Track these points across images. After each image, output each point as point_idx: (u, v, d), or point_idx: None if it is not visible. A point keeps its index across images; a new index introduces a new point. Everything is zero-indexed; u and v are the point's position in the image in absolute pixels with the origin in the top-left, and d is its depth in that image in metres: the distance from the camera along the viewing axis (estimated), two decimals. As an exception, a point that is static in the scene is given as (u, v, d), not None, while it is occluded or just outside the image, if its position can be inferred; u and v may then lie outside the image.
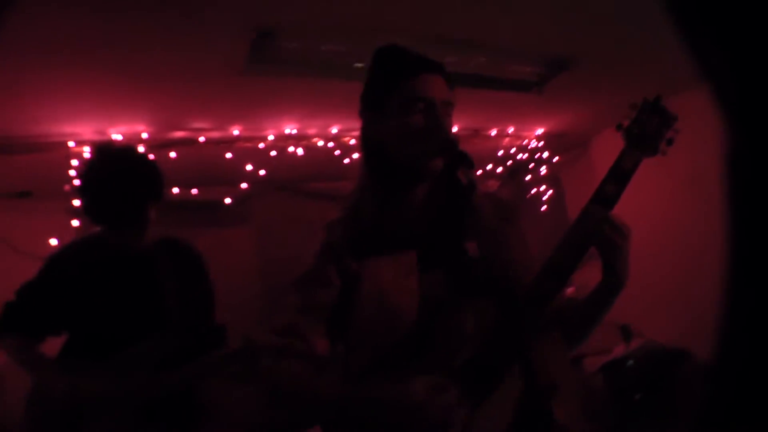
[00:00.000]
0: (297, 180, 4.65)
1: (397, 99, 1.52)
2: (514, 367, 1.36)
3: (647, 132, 1.43)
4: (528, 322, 1.35)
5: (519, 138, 4.90)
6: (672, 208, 4.32)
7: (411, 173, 1.55)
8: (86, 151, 3.29)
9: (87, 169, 2.40)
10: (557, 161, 5.13)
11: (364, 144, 1.64)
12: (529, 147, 4.95)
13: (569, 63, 3.61)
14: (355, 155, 4.24)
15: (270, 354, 1.51)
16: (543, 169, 5.10)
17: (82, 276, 2.36)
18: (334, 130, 4.13)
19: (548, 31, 3.16)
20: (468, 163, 1.43)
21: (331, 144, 4.15)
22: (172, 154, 3.64)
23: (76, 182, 2.40)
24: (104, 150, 2.47)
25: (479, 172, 4.98)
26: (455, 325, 1.42)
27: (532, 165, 5.08)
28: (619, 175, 1.41)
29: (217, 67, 2.99)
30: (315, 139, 4.11)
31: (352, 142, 4.19)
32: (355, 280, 1.50)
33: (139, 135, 3.48)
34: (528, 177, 5.20)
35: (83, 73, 2.83)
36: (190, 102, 3.39)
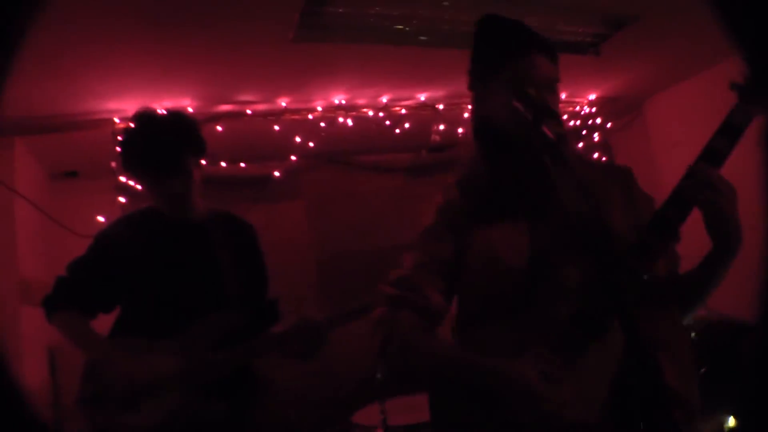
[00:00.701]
0: (347, 152, 4.58)
1: (503, 79, 1.55)
2: (614, 322, 1.32)
3: (764, 88, 1.34)
4: (631, 276, 1.35)
5: (571, 104, 4.70)
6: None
7: (518, 148, 1.58)
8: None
9: (127, 130, 2.35)
10: (610, 127, 4.92)
11: (473, 119, 1.70)
12: (581, 113, 4.75)
13: (626, 21, 3.44)
14: (406, 125, 4.14)
15: (385, 304, 1.59)
16: (596, 136, 4.88)
17: (135, 249, 2.30)
18: (384, 100, 4.01)
19: None
20: (552, 114, 1.43)
21: (381, 114, 4.03)
22: (219, 128, 3.57)
23: (119, 144, 2.35)
24: (142, 112, 2.40)
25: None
26: (559, 278, 1.46)
27: (584, 131, 4.87)
28: (730, 131, 1.38)
29: (265, 36, 2.90)
30: (365, 109, 3.99)
31: (403, 111, 4.09)
32: (470, 240, 1.58)
33: (185, 109, 3.38)
34: (580, 144, 5.00)
35: (126, 48, 2.77)
36: (236, 74, 3.29)
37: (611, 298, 1.30)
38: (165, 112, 2.46)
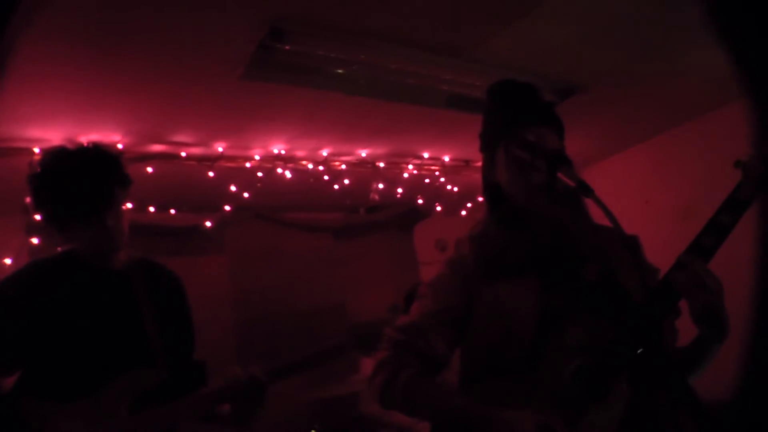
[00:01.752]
0: (282, 206, 4.44)
1: (507, 147, 1.62)
2: (619, 385, 1.39)
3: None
4: (637, 342, 1.37)
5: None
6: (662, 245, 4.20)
7: (526, 212, 1.63)
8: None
9: (44, 161, 2.10)
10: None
11: (484, 183, 1.74)
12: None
13: (577, 89, 3.52)
14: (345, 181, 4.04)
15: (391, 348, 1.62)
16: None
17: (45, 299, 2.03)
18: (324, 153, 3.92)
19: (561, 55, 3.08)
20: (565, 161, 1.46)
21: (320, 168, 3.92)
22: (149, 169, 3.34)
23: (34, 177, 2.08)
24: (59, 146, 2.18)
25: (469, 204, 4.83)
26: (565, 338, 1.47)
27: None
28: (735, 207, 1.43)
29: (212, 70, 2.76)
30: (304, 162, 3.87)
31: (342, 167, 4.00)
32: (478, 294, 1.60)
33: (114, 145, 3.16)
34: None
35: (58, 70, 2.57)
36: (174, 111, 3.11)
37: (618, 359, 1.37)
38: (87, 146, 2.21)
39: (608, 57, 3.12)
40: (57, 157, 2.08)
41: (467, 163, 4.50)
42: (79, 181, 2.01)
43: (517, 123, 1.62)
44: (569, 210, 1.63)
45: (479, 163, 4.40)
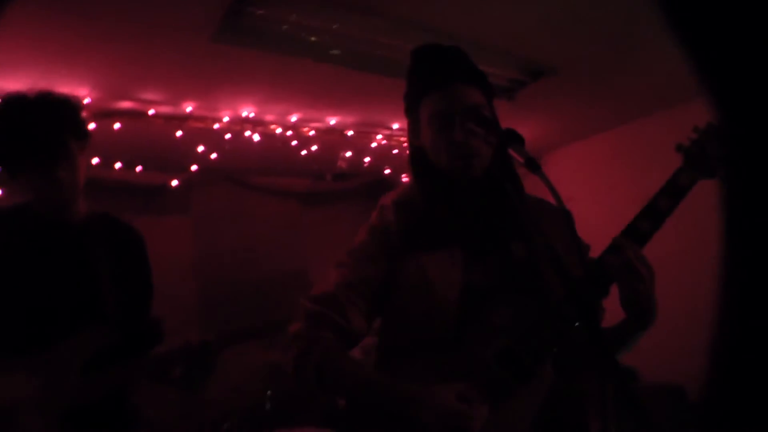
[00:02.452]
0: (250, 169, 4.42)
1: (426, 110, 1.57)
2: (544, 367, 1.38)
3: (707, 154, 1.47)
4: (565, 323, 1.35)
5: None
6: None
7: (450, 178, 1.57)
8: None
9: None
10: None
11: (409, 146, 1.70)
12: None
13: (544, 72, 3.54)
14: (313, 147, 4.05)
15: (305, 319, 1.52)
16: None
17: None
18: (293, 118, 3.90)
19: (532, 35, 3.10)
20: (517, 139, 1.39)
21: (289, 133, 3.91)
22: (117, 126, 3.31)
23: None
24: (12, 93, 2.09)
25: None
26: (491, 316, 1.44)
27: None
28: (674, 191, 1.44)
29: (182, 31, 2.73)
30: (273, 126, 3.86)
31: (311, 133, 3.99)
32: (401, 263, 1.54)
33: (81, 100, 3.11)
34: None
35: (23, 23, 2.51)
36: (143, 67, 3.08)
37: (545, 341, 1.35)
38: (44, 92, 2.11)
39: (579, 42, 3.13)
40: (9, 103, 2.02)
41: None
42: (29, 129, 1.96)
43: (441, 78, 1.55)
44: (500, 181, 1.56)
45: None
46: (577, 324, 1.34)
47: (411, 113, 1.64)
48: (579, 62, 3.37)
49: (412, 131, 1.65)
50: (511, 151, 1.37)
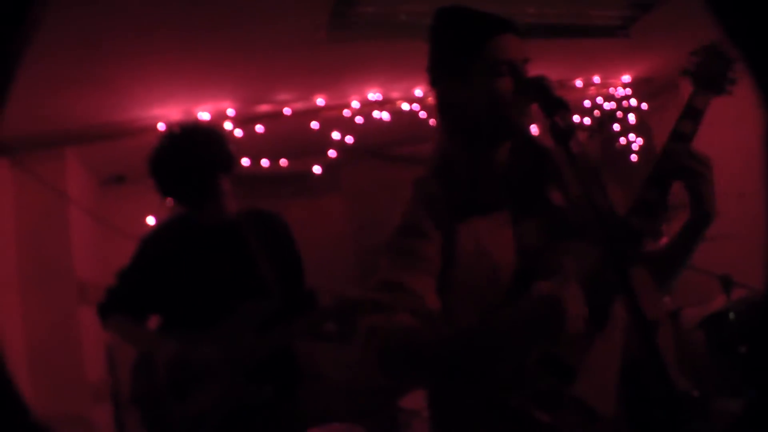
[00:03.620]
0: (384, 145, 4.62)
1: (480, 65, 1.46)
2: (616, 306, 1.33)
3: (712, 73, 1.51)
4: (625, 259, 1.28)
5: (605, 86, 4.67)
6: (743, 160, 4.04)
7: (499, 134, 1.52)
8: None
9: (155, 149, 2.41)
10: (647, 108, 4.85)
11: (446, 112, 1.59)
12: (616, 95, 4.71)
13: (653, 3, 3.44)
14: None
15: (374, 311, 1.41)
16: (632, 118, 4.83)
17: (174, 254, 2.40)
18: (418, 93, 4.05)
19: None
20: (564, 106, 1.33)
21: (416, 106, 4.07)
22: (259, 128, 3.66)
23: (149, 168, 2.40)
24: (169, 130, 2.48)
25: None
26: (554, 267, 1.38)
27: (620, 114, 4.82)
28: (693, 114, 1.47)
29: (298, 37, 2.97)
30: (399, 102, 4.03)
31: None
32: (453, 236, 1.46)
33: (225, 111, 3.51)
34: (617, 127, 4.97)
35: (165, 56, 2.87)
36: (273, 75, 3.39)
37: (613, 282, 1.25)
38: (193, 129, 2.49)
39: None
40: (165, 146, 2.38)
41: (561, 83, 4.43)
42: (184, 167, 2.32)
43: (483, 34, 1.46)
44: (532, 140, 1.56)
45: (574, 81, 4.27)
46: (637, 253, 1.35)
47: (453, 74, 1.51)
48: None
49: (454, 92, 1.52)
50: (557, 119, 1.30)
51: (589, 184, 1.34)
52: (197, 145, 2.38)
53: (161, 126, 3.38)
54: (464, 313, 1.44)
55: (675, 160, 1.42)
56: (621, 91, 4.70)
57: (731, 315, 3.47)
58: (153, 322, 2.47)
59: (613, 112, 4.80)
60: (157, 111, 3.32)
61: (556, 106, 1.33)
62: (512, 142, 1.56)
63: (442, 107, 1.60)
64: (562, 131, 1.30)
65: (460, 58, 1.50)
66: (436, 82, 1.58)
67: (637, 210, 1.40)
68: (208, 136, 2.44)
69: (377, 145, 4.55)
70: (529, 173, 1.56)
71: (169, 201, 3.02)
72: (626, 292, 1.13)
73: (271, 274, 2.41)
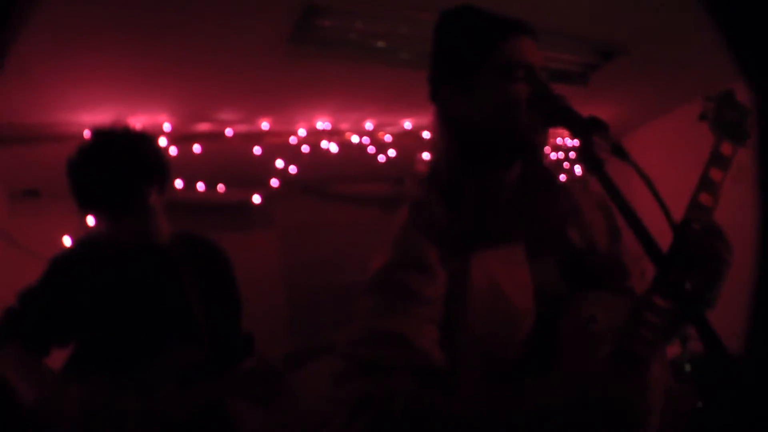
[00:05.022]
0: (329, 179, 4.48)
1: (491, 68, 1.31)
2: (653, 366, 1.18)
3: (731, 122, 1.40)
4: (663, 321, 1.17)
5: (554, 136, 4.67)
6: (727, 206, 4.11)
7: (509, 150, 1.36)
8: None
9: (75, 152, 2.14)
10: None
11: (448, 126, 1.40)
12: (564, 145, 4.71)
13: (616, 51, 3.46)
14: (391, 152, 4.05)
15: (366, 372, 1.15)
16: (578, 169, 4.82)
17: (91, 277, 2.11)
18: (369, 125, 3.92)
19: (600, 15, 3.02)
20: (603, 126, 1.16)
21: (365, 139, 3.94)
22: (197, 148, 3.41)
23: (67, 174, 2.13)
24: (96, 131, 2.21)
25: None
26: (583, 321, 1.22)
27: (566, 165, 4.82)
28: (721, 162, 1.34)
29: (254, 50, 2.81)
30: (348, 134, 3.89)
31: (387, 137, 3.99)
32: (462, 271, 1.24)
33: (161, 126, 3.24)
34: (563, 177, 4.97)
35: (103, 56, 2.63)
36: (218, 89, 3.17)
37: (649, 336, 1.15)
38: (124, 132, 2.21)
39: (648, 17, 3.03)
40: (89, 149, 2.12)
41: None
42: (104, 184, 2.07)
43: (497, 37, 1.32)
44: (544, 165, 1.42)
45: None
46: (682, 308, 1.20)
47: (459, 80, 1.36)
48: (650, 37, 3.25)
49: (459, 102, 1.36)
50: (596, 139, 1.16)
51: (596, 232, 1.34)
52: (126, 148, 2.12)
53: (87, 134, 3.06)
54: (473, 369, 1.21)
55: (696, 240, 1.22)
56: (569, 141, 4.68)
57: (687, 367, 3.53)
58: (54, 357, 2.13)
59: (560, 162, 4.79)
60: (83, 117, 3.01)
61: (592, 125, 1.16)
62: (522, 166, 1.39)
63: (444, 120, 1.41)
64: (598, 157, 1.15)
65: (468, 60, 1.34)
66: (435, 93, 1.43)
67: (660, 290, 1.19)
68: (141, 141, 2.18)
69: (319, 180, 4.39)
70: (543, 204, 1.39)
71: (90, 219, 2.70)
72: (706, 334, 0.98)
73: (203, 312, 2.16)
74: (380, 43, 3.00)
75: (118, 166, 2.06)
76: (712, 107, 1.44)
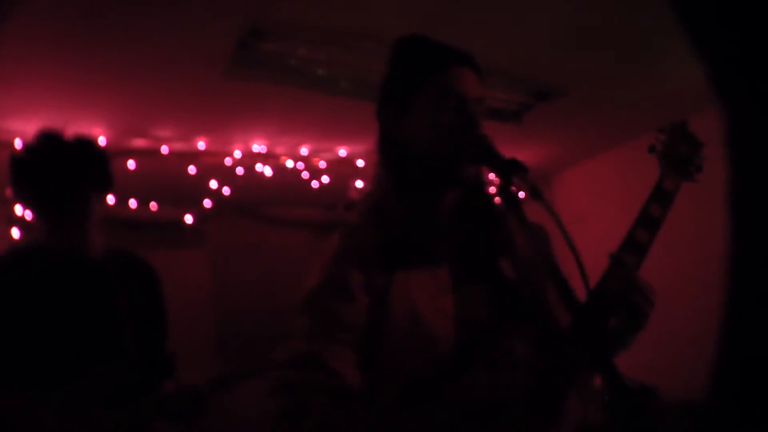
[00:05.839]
0: (262, 202, 4.47)
1: (425, 94, 1.37)
2: (569, 401, 1.23)
3: (681, 156, 1.44)
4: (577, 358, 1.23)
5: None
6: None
7: (441, 177, 1.39)
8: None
9: (26, 147, 2.14)
10: (522, 197, 5.03)
11: (385, 146, 1.45)
12: (494, 180, 4.85)
13: (551, 93, 3.57)
14: (324, 178, 4.10)
15: (285, 392, 1.23)
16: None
17: (16, 290, 2.04)
18: (304, 151, 3.98)
19: (537, 57, 3.13)
20: (521, 168, 1.25)
21: (300, 164, 3.99)
22: (131, 164, 3.40)
23: (12, 163, 2.10)
24: (48, 131, 2.18)
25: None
26: (503, 352, 1.25)
27: (497, 199, 4.98)
28: (662, 197, 1.38)
29: (194, 67, 2.82)
30: (283, 158, 3.94)
31: (322, 164, 4.06)
32: (383, 295, 1.29)
33: (96, 139, 3.17)
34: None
35: (37, 62, 2.62)
36: (156, 106, 3.19)
37: (568, 376, 1.21)
38: (78, 137, 2.21)
39: (585, 60, 3.14)
40: (42, 142, 2.10)
41: None
42: (52, 175, 2.05)
43: (434, 63, 1.38)
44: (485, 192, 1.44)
45: None
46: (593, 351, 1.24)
47: (397, 105, 1.41)
48: (586, 80, 3.38)
49: (396, 125, 1.41)
50: (516, 180, 1.24)
51: (528, 264, 1.34)
52: (77, 152, 2.12)
53: (18, 143, 3.00)
54: (389, 391, 1.27)
55: (616, 290, 1.28)
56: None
57: (604, 398, 3.56)
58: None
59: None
60: (13, 124, 2.96)
61: (512, 167, 1.25)
62: (461, 193, 1.42)
63: (383, 142, 1.45)
64: (515, 196, 1.24)
65: (404, 88, 1.41)
66: (378, 114, 1.46)
67: (581, 323, 1.25)
68: (91, 147, 2.20)
69: (255, 201, 4.39)
70: (477, 233, 1.42)
71: (20, 232, 2.66)
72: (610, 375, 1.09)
73: (134, 332, 2.14)
74: (321, 71, 3.04)
75: (68, 167, 2.06)
76: (663, 139, 1.46)
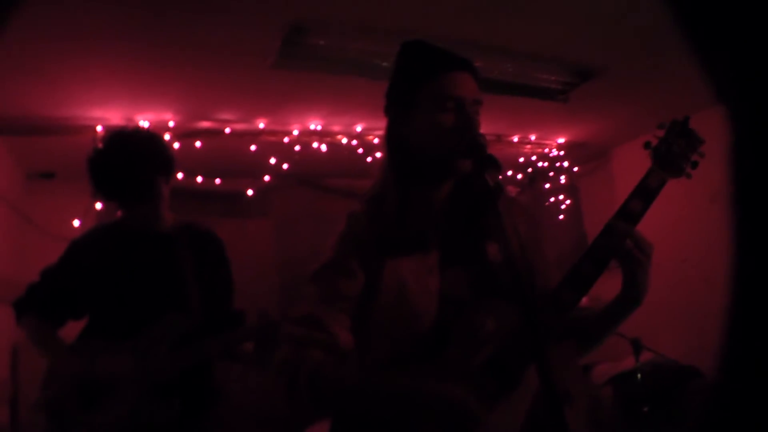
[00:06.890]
0: (319, 175, 4.69)
1: (426, 97, 1.49)
2: (529, 372, 1.29)
3: (674, 153, 1.46)
4: (546, 328, 1.34)
5: (540, 146, 4.90)
6: (692, 226, 4.28)
7: (437, 172, 1.53)
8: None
9: (96, 152, 2.41)
10: (577, 171, 5.12)
11: (389, 141, 1.60)
12: (550, 155, 4.95)
13: (595, 72, 3.63)
14: (378, 154, 4.22)
15: (289, 343, 1.47)
16: (562, 178, 5.09)
17: (103, 260, 2.38)
18: (358, 128, 4.16)
19: (576, 39, 3.20)
20: (495, 166, 1.36)
21: (354, 141, 4.17)
22: (198, 144, 3.68)
23: (88, 167, 2.39)
24: (112, 132, 2.49)
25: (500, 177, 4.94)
26: (474, 325, 1.41)
27: (551, 173, 5.08)
28: (645, 193, 1.42)
29: (247, 60, 3.03)
30: (339, 136, 4.13)
31: (375, 140, 4.19)
32: (376, 275, 1.47)
33: (166, 123, 3.53)
34: (547, 185, 5.20)
35: (114, 59, 2.89)
36: (218, 93, 3.43)
37: (529, 349, 1.24)
38: (136, 132, 2.53)
39: (627, 39, 3.17)
40: (109, 147, 2.39)
41: (498, 137, 4.67)
42: (122, 177, 2.33)
43: (432, 67, 1.49)
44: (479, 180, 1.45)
45: (512, 137, 4.55)
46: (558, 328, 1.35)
47: (400, 105, 1.55)
48: (628, 60, 3.41)
49: (399, 123, 1.55)
50: (487, 176, 1.33)
51: (519, 245, 1.38)
52: (140, 144, 2.40)
53: (100, 129, 3.35)
54: (377, 352, 1.47)
55: (615, 240, 1.39)
56: (555, 152, 4.93)
57: (638, 375, 3.68)
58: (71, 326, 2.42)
59: (545, 170, 5.03)
60: (96, 113, 3.31)
61: (487, 164, 1.35)
62: (455, 185, 1.56)
63: (388, 138, 1.60)
64: (489, 189, 1.32)
65: (406, 90, 1.53)
66: (385, 111, 1.61)
67: (570, 282, 1.40)
68: (152, 138, 2.47)
69: (312, 174, 4.61)
70: (469, 221, 1.54)
71: (99, 204, 3.00)
72: (540, 363, 1.16)
73: (197, 291, 2.40)
74: (359, 59, 3.15)
75: (132, 162, 2.32)
76: (661, 136, 1.48)
